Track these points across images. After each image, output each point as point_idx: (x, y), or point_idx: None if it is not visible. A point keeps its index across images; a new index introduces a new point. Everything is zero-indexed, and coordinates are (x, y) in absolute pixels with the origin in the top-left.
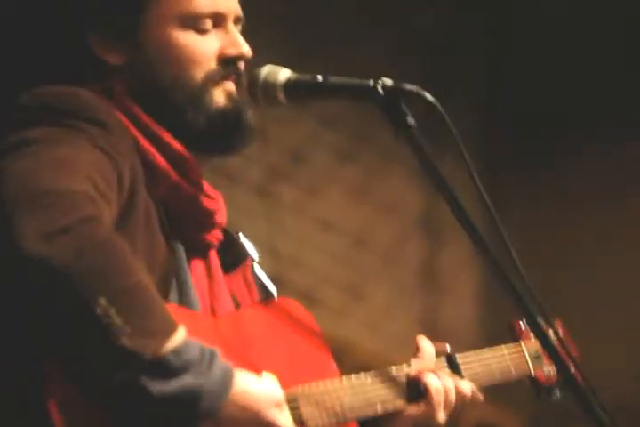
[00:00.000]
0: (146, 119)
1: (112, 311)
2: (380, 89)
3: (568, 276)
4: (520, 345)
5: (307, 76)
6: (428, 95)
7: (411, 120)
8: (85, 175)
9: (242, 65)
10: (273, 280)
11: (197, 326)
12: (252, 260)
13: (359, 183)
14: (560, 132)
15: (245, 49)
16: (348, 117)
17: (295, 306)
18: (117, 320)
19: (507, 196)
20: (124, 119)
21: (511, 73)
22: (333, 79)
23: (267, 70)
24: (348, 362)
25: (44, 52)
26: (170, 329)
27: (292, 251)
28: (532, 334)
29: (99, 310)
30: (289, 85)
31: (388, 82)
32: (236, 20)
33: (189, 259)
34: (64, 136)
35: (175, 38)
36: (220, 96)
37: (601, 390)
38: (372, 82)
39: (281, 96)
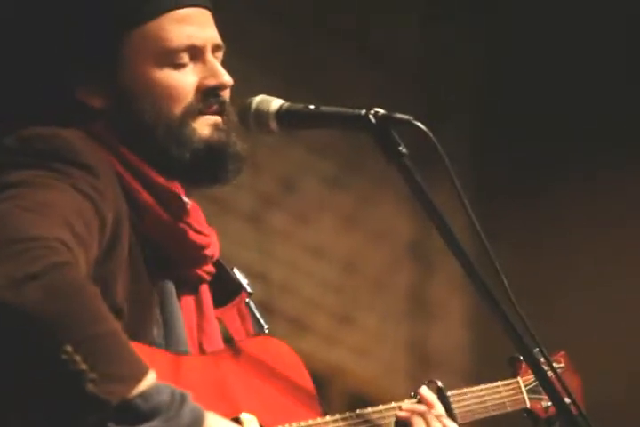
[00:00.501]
0: (131, 157)
1: (78, 358)
2: (372, 118)
3: (563, 302)
4: (517, 380)
5: (299, 105)
6: (420, 124)
7: (403, 148)
8: (64, 220)
9: (225, 94)
10: (263, 307)
11: (172, 368)
12: (247, 293)
13: (349, 210)
14: (554, 157)
15: (225, 78)
16: (339, 145)
17: (279, 345)
18: (83, 367)
19: (500, 222)
20: (110, 158)
21: (505, 97)
22: (325, 108)
23: (259, 99)
24: (338, 387)
25: (28, 98)
26: (138, 374)
27: (282, 277)
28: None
29: (64, 357)
30: (281, 114)
31: (380, 111)
32: (216, 49)
33: (180, 294)
34: (47, 180)
35: (152, 77)
36: (203, 128)
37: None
38: (364, 111)
39: (273, 124)
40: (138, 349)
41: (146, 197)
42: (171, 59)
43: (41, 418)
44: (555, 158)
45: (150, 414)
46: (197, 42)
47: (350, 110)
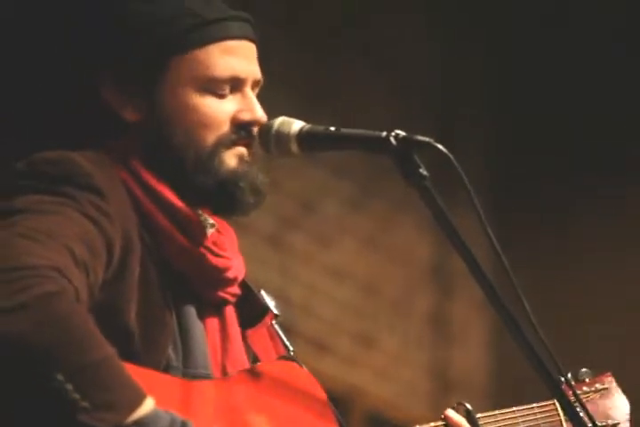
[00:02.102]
0: (151, 180)
1: (69, 387)
2: (392, 140)
3: (582, 327)
4: (553, 402)
5: (319, 128)
6: (440, 146)
7: (423, 171)
8: (64, 246)
9: (255, 129)
10: (283, 328)
11: (180, 394)
12: (274, 315)
13: (370, 233)
14: (573, 177)
15: (260, 114)
16: (359, 167)
17: (297, 370)
18: (75, 396)
19: (517, 246)
20: (128, 180)
21: (520, 116)
22: (346, 130)
23: (280, 121)
24: (358, 409)
25: (62, 102)
26: (133, 401)
27: (302, 299)
28: (570, 392)
29: (55, 386)
30: (302, 136)
31: (401, 133)
32: (255, 84)
33: (204, 316)
34: (52, 206)
35: (191, 101)
36: (231, 159)
37: None
38: (384, 133)
39: (294, 146)
40: (145, 374)
41: (163, 221)
42: (213, 87)
43: None
44: (573, 178)
45: None
46: (241, 74)
47: (371, 132)
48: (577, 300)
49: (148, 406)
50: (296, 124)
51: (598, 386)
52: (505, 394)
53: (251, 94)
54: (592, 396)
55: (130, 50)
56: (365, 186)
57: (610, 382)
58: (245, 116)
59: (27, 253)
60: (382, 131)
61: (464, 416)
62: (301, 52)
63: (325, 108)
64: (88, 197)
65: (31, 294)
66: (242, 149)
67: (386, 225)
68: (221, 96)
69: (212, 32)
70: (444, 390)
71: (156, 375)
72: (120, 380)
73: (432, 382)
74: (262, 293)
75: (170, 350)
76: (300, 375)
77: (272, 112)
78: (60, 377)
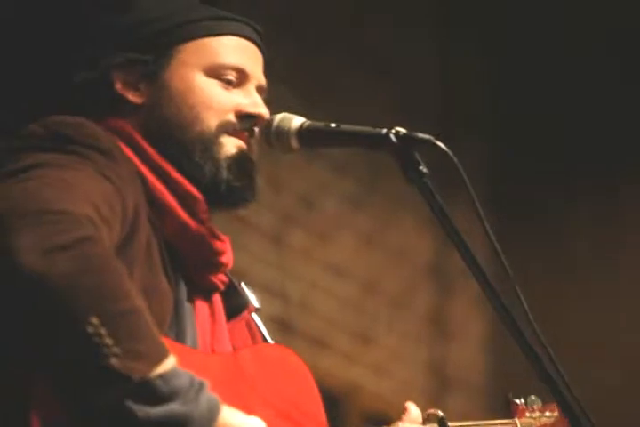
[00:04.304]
0: (155, 156)
1: (103, 331)
2: (392, 137)
3: (577, 331)
4: (514, 421)
5: (320, 124)
6: (441, 144)
7: (423, 168)
8: (89, 200)
9: (257, 125)
10: (282, 325)
11: (190, 360)
12: (254, 309)
13: (370, 230)
14: (570, 179)
15: (264, 110)
16: (360, 165)
17: (288, 353)
18: (108, 341)
19: (516, 247)
20: (132, 156)
21: (519, 118)
22: (347, 127)
23: (280, 117)
24: (356, 406)
25: (65, 80)
26: (160, 355)
27: (301, 296)
28: (527, 413)
29: (90, 329)
30: (302, 132)
31: (402, 130)
32: (260, 90)
33: (194, 298)
34: (70, 162)
35: (198, 84)
36: (231, 147)
37: None
38: (385, 130)
39: (294, 142)
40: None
41: (168, 197)
42: (220, 73)
43: (62, 390)
44: (571, 178)
45: (169, 396)
46: (247, 69)
47: (371, 129)
48: (575, 297)
49: (171, 361)
50: (296, 120)
51: (548, 414)
52: (501, 393)
53: (255, 93)
54: (545, 421)
55: (141, 34)
56: (366, 183)
57: (558, 410)
58: (250, 109)
59: (61, 199)
60: (382, 128)
61: (437, 424)
62: (301, 52)
63: (323, 108)
64: (103, 160)
65: (71, 236)
66: (241, 142)
67: (386, 222)
68: (227, 85)
69: (227, 26)
70: (442, 388)
71: (167, 341)
72: (149, 332)
73: (430, 380)
74: (243, 285)
75: (167, 325)
76: (292, 359)
77: (272, 109)
78: (94, 321)
